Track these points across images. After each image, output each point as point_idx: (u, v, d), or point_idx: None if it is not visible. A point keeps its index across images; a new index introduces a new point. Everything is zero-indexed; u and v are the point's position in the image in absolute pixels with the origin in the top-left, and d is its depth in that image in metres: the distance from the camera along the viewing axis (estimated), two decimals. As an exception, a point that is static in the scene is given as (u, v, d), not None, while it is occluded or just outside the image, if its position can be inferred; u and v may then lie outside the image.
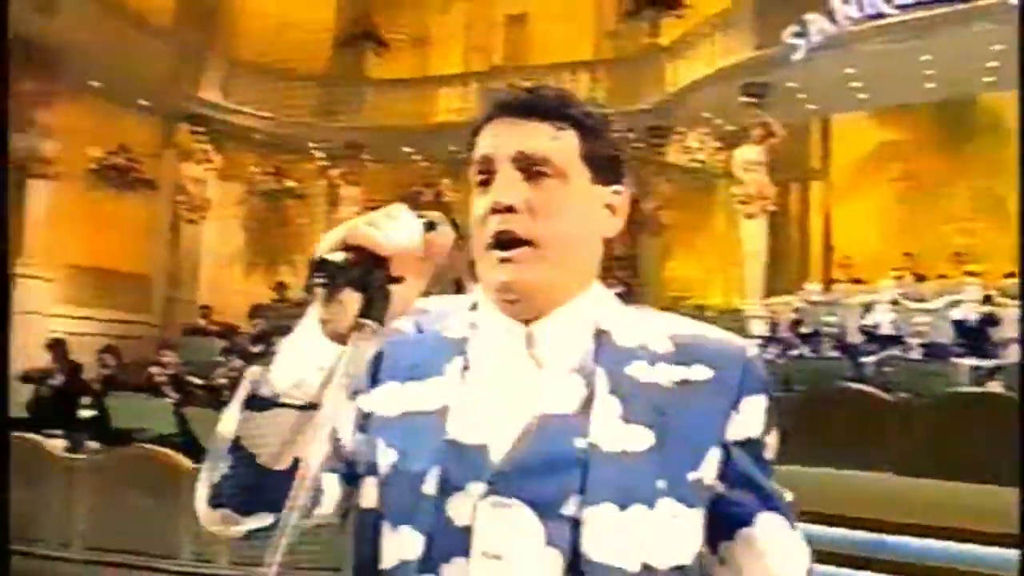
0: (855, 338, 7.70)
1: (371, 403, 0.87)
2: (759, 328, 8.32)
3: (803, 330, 7.75)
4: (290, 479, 0.76)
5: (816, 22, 9.09)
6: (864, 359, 7.32)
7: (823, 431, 6.34)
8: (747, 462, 0.84)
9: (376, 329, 0.73)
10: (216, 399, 7.32)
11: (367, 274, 0.74)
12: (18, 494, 5.39)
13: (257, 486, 0.79)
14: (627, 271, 11.88)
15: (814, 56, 9.12)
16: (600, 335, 0.85)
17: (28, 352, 9.06)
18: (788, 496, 0.88)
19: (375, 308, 0.74)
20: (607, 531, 0.77)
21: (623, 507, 0.77)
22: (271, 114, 13.09)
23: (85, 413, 6.36)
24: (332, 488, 0.85)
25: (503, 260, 0.83)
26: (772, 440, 0.87)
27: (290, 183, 13.87)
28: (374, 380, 0.87)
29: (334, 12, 14.43)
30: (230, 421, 0.79)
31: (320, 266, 0.73)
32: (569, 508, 0.77)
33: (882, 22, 8.82)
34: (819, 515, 4.94)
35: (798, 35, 9.10)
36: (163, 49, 11.85)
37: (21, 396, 7.66)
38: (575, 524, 0.77)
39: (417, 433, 0.83)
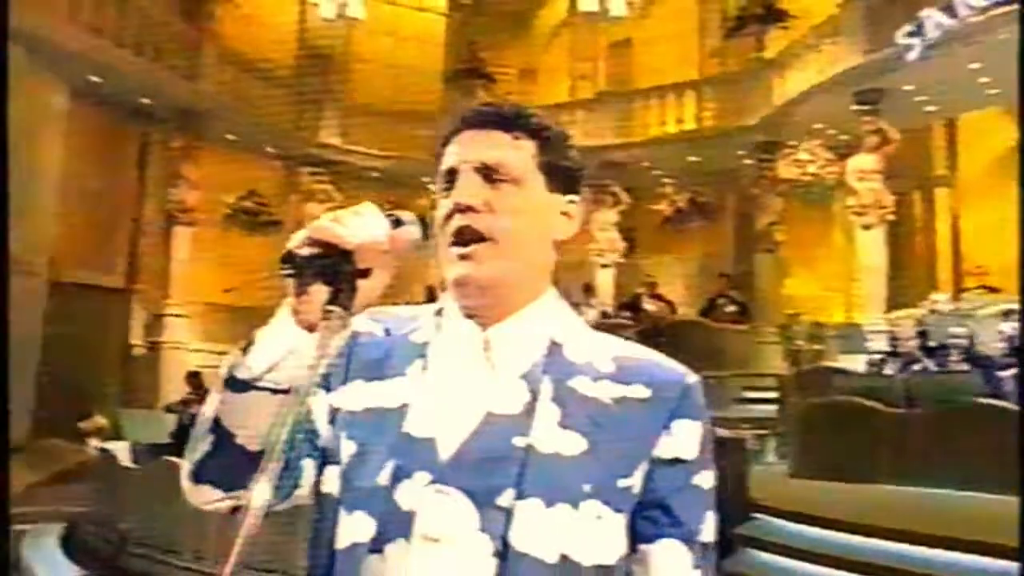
0: (988, 350, 7.16)
1: (339, 399, 0.94)
2: (879, 343, 7.91)
3: (929, 343, 7.29)
4: (262, 460, 0.82)
5: (932, 18, 8.61)
6: (1002, 372, 6.78)
7: (956, 450, 5.96)
8: (667, 482, 0.89)
9: (343, 317, 0.80)
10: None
11: (333, 266, 0.80)
12: (160, 509, 5.93)
13: (236, 465, 0.85)
14: (742, 290, 11.60)
15: (931, 55, 8.65)
16: (553, 347, 0.91)
17: (174, 383, 9.87)
18: (708, 535, 0.91)
19: (342, 298, 0.80)
20: (532, 524, 0.82)
21: (550, 503, 0.83)
22: (386, 152, 13.71)
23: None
24: (309, 473, 0.92)
25: (462, 256, 0.89)
26: (706, 474, 0.91)
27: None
28: (345, 379, 0.94)
29: (442, 52, 15.01)
30: (212, 402, 0.86)
31: (287, 259, 0.80)
32: (503, 500, 0.82)
33: (1009, 8, 8.21)
34: (950, 540, 4.65)
35: (912, 34, 8.65)
36: (286, 99, 12.76)
37: (169, 425, 8.37)
38: (508, 515, 0.82)
39: (377, 427, 0.89)
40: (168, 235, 10.99)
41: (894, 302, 9.31)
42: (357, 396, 0.93)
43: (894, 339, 7.47)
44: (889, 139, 9.32)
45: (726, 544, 5.31)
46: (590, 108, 13.51)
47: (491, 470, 0.84)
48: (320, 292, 0.81)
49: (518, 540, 0.82)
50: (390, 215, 0.86)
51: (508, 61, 15.89)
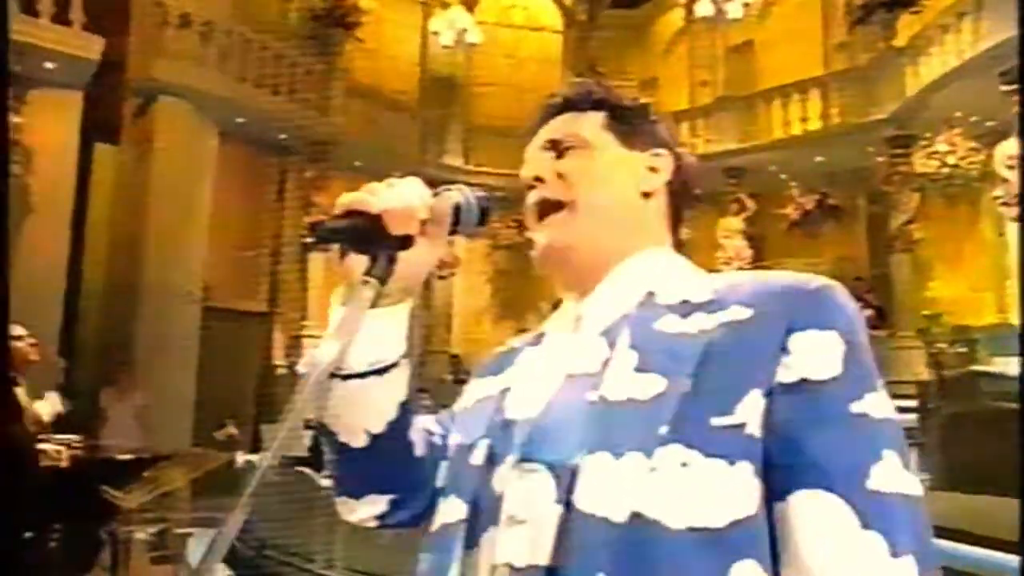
0: None
1: (458, 404, 0.93)
2: (1029, 344, 7.20)
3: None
4: (375, 456, 0.82)
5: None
6: None
7: None
8: (796, 413, 0.68)
9: (376, 286, 0.75)
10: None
11: (362, 234, 0.77)
12: (295, 518, 6.31)
13: (352, 465, 0.84)
14: (879, 293, 10.93)
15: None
16: (647, 297, 0.82)
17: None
18: (883, 480, 0.66)
19: (376, 267, 0.77)
20: (598, 480, 0.70)
21: (617, 455, 0.69)
22: (509, 171, 13.96)
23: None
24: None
25: (541, 227, 0.88)
26: (869, 399, 0.69)
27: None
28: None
29: (560, 70, 15.19)
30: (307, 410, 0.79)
31: (312, 229, 0.79)
32: (575, 462, 0.72)
33: None
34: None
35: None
36: (411, 125, 13.33)
37: (307, 439, 8.88)
38: (573, 475, 0.71)
39: (480, 415, 0.85)
40: (304, 261, 11.70)
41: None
42: (470, 393, 0.92)
43: (1050, 340, 6.78)
44: (1044, 120, 8.50)
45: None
46: (710, 114, 13.23)
47: (566, 435, 0.73)
48: (357, 262, 0.78)
49: (581, 499, 0.69)
50: (444, 187, 0.84)
51: (628, 72, 15.85)
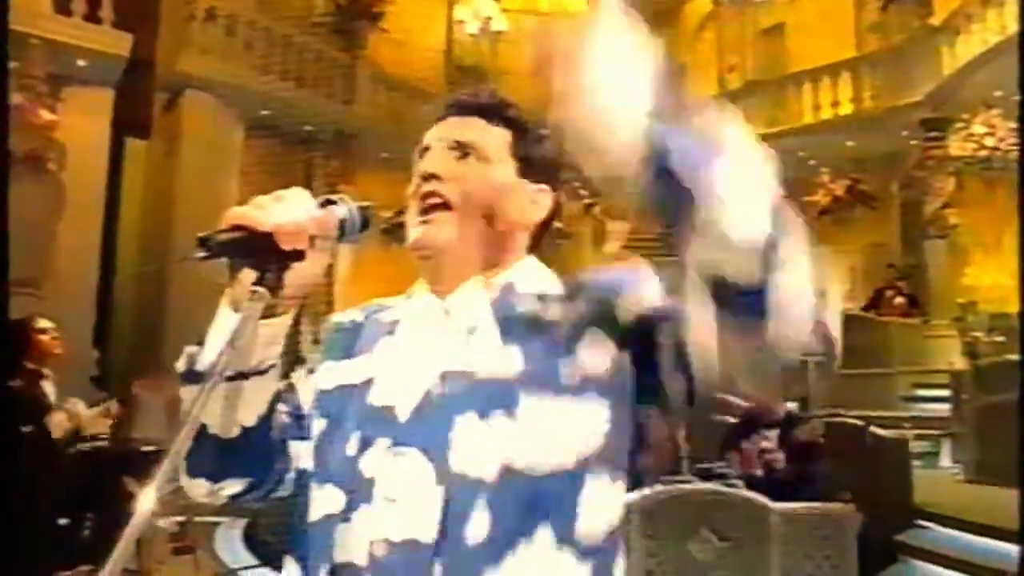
0: None
1: (316, 381, 0.98)
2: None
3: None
4: (242, 446, 0.87)
5: None
6: None
7: None
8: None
9: (264, 296, 0.80)
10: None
11: (252, 249, 0.81)
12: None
13: (217, 454, 0.87)
14: (913, 280, 10.70)
15: None
16: (506, 288, 0.93)
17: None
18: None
19: (267, 279, 0.82)
20: (466, 439, 0.82)
21: (483, 416, 0.82)
22: (535, 161, 13.90)
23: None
24: (299, 456, 0.94)
25: (423, 222, 0.94)
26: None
27: (558, 224, 14.56)
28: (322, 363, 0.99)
29: (586, 57, 15.07)
30: (184, 397, 0.88)
31: (201, 243, 0.83)
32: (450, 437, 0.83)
33: None
34: None
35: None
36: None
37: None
38: (447, 443, 0.83)
39: (344, 402, 0.91)
40: (331, 252, 11.79)
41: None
42: (328, 375, 0.96)
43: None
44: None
45: (887, 552, 4.93)
46: (738, 99, 13.01)
47: (443, 421, 0.83)
48: (247, 274, 0.83)
49: (455, 460, 0.81)
50: (326, 199, 0.88)
51: (658, 57, 15.65)
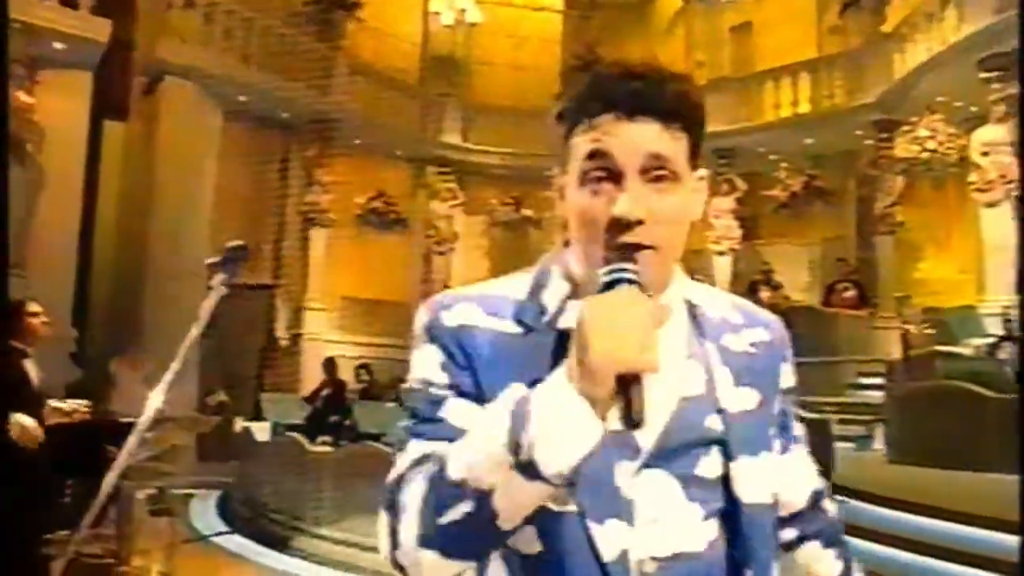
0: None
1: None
2: (995, 327, 7.50)
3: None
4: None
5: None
6: None
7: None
8: (787, 407, 0.99)
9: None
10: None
11: None
12: (287, 479, 6.74)
13: (487, 541, 0.81)
14: (865, 274, 11.22)
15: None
16: (692, 309, 0.95)
17: (313, 370, 10.89)
18: (800, 428, 1.05)
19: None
20: (749, 477, 0.90)
21: (754, 455, 0.91)
22: (508, 150, 14.21)
23: (333, 419, 7.68)
24: None
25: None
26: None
27: (528, 212, 14.89)
28: (484, 381, 0.88)
29: (560, 49, 15.37)
30: (484, 469, 0.76)
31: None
32: (710, 470, 0.89)
33: None
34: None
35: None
36: (411, 104, 13.62)
37: (305, 408, 9.32)
38: (724, 479, 0.90)
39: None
40: (306, 236, 12.10)
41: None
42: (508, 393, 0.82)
43: (1008, 321, 7.10)
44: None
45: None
46: (704, 95, 13.39)
47: (690, 449, 0.89)
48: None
49: (744, 495, 0.90)
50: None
51: (630, 53, 16.00)
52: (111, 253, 10.76)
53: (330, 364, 9.64)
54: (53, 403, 5.10)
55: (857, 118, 11.18)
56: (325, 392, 9.00)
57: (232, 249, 1.24)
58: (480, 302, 0.91)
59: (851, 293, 10.64)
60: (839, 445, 7.42)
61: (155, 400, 0.98)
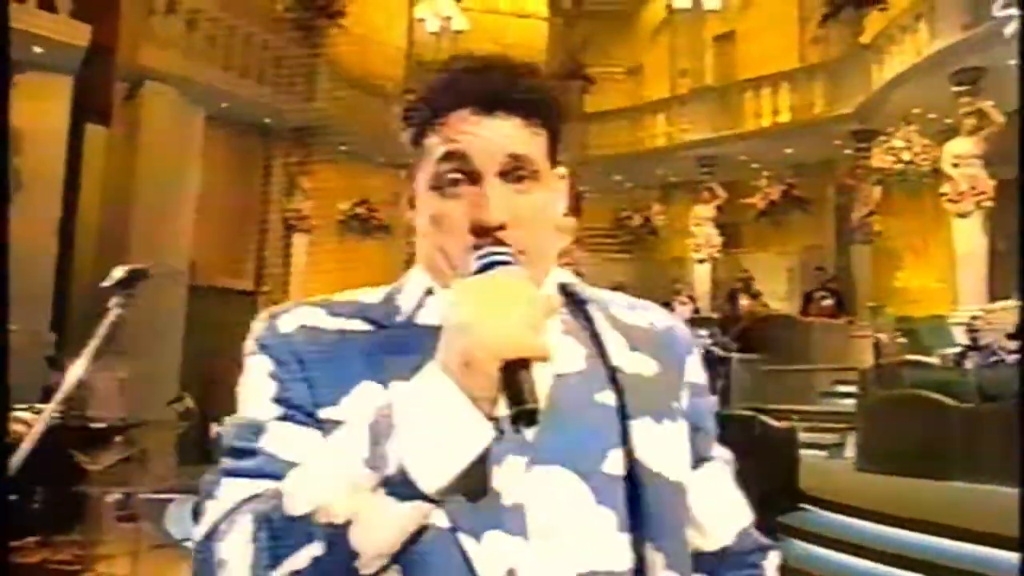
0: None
1: (341, 409, 0.76)
2: (961, 336, 7.58)
3: (1011, 336, 6.96)
4: None
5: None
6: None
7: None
8: (701, 407, 0.88)
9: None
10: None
11: None
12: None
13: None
14: (843, 283, 11.31)
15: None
16: (564, 290, 0.85)
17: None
18: (727, 453, 0.92)
19: None
20: (650, 441, 0.77)
21: (657, 421, 0.79)
22: (492, 157, 14.20)
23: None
24: None
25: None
26: (712, 399, 0.92)
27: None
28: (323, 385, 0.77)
29: (545, 57, 15.43)
30: (336, 497, 0.64)
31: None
32: (612, 466, 0.76)
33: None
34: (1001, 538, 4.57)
35: (1009, 5, 8.16)
36: (395, 111, 13.62)
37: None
38: (625, 437, 0.77)
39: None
40: (288, 241, 12.11)
41: (994, 293, 8.83)
42: (371, 398, 0.71)
43: (973, 332, 7.18)
44: (990, 120, 8.82)
45: (769, 532, 5.43)
46: (686, 103, 13.53)
47: (584, 429, 0.76)
48: None
49: (648, 458, 0.77)
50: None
51: (616, 60, 16.11)
52: (91, 256, 10.75)
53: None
54: (17, 414, 5.12)
55: (836, 128, 11.29)
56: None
57: (130, 271, 1.26)
58: (326, 306, 0.81)
59: (829, 302, 10.73)
60: (811, 453, 7.51)
61: (76, 370, 1.00)
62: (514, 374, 0.63)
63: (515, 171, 0.78)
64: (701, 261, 12.52)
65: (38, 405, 5.60)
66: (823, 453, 8.00)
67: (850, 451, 7.83)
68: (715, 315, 11.16)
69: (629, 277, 12.35)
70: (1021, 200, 8.07)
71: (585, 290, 0.87)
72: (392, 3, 14.37)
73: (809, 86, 12.05)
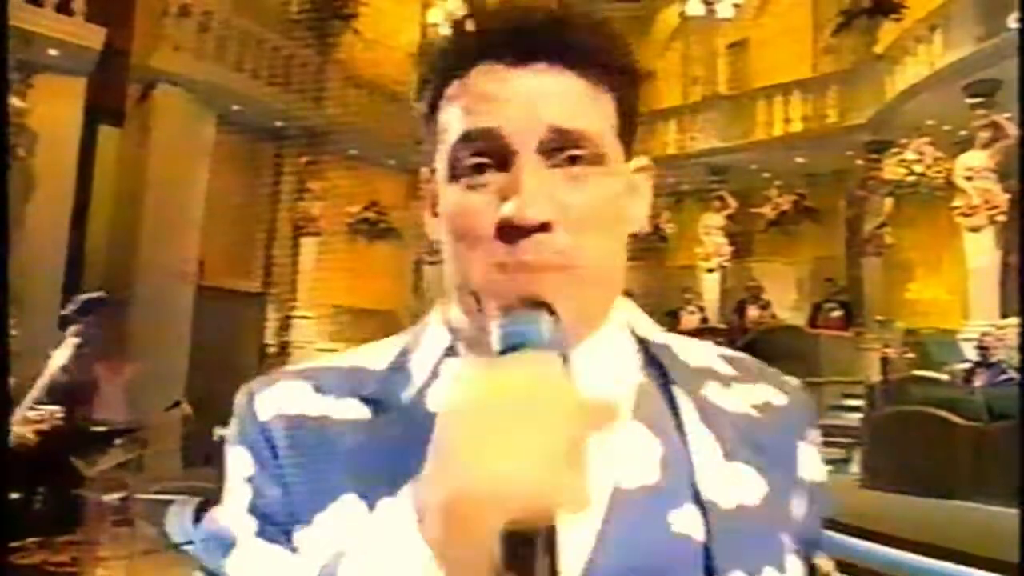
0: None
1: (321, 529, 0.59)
2: (971, 352, 7.48)
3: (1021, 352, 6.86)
4: None
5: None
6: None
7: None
8: (815, 511, 0.63)
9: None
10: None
11: None
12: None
13: None
14: (853, 294, 11.21)
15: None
16: (644, 344, 0.62)
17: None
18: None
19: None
20: None
21: (755, 571, 0.56)
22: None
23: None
24: None
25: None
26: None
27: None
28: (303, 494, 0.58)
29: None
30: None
31: None
32: None
33: None
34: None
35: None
36: (406, 114, 13.65)
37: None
38: None
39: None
40: (296, 244, 12.15)
41: (1007, 308, 8.71)
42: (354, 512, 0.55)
43: (983, 348, 7.09)
44: (1004, 133, 8.71)
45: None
46: (698, 111, 13.47)
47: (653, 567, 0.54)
48: None
49: None
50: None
51: (629, 66, 16.03)
52: (102, 257, 10.84)
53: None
54: (24, 412, 5.14)
55: (848, 138, 11.19)
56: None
57: (87, 300, 1.25)
58: (315, 377, 0.61)
59: (838, 313, 10.63)
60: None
61: (59, 357, 0.96)
62: (522, 545, 0.40)
63: (563, 149, 0.55)
64: (710, 270, 12.44)
65: (43, 408, 5.65)
66: (828, 467, 7.90)
67: (855, 467, 7.74)
68: (722, 325, 11.08)
69: (638, 285, 12.29)
70: (1021, 204, 7.98)
71: (666, 346, 0.62)
72: (405, 7, 14.40)
73: (822, 96, 11.96)
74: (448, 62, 0.59)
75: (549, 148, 0.55)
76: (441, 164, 0.59)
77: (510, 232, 0.53)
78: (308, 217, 12.21)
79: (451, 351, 0.61)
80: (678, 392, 0.59)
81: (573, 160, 0.56)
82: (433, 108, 0.61)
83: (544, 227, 0.53)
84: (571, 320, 0.52)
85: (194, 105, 10.65)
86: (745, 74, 13.95)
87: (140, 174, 10.54)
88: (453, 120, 0.58)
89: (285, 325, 11.99)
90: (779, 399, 0.63)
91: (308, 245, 12.29)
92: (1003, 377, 6.74)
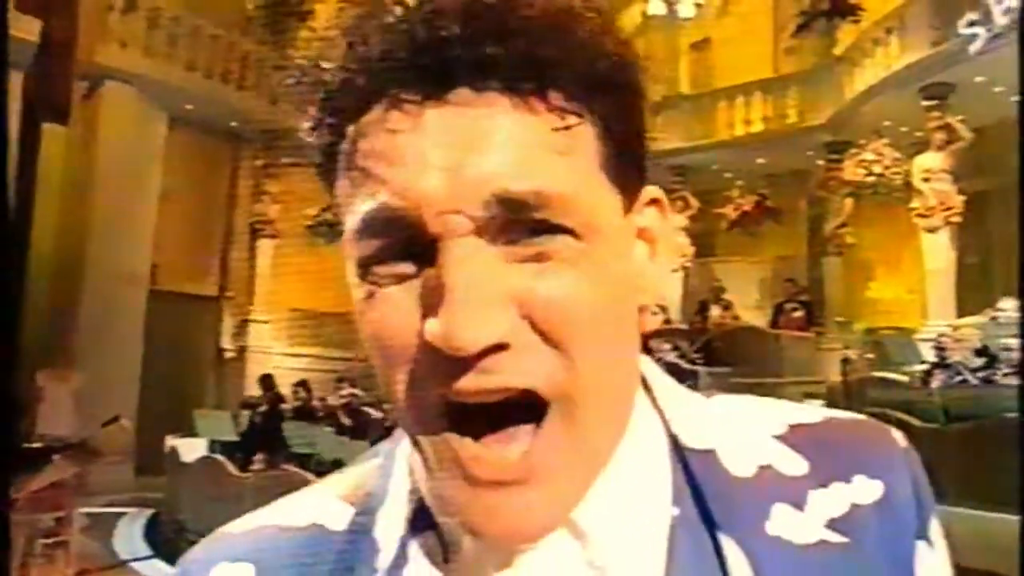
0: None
1: None
2: (928, 353, 7.52)
3: (976, 354, 6.90)
4: None
5: (1002, 3, 8.02)
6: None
7: (990, 468, 5.65)
8: None
9: None
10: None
11: None
12: (207, 501, 6.57)
13: None
14: (814, 294, 11.26)
15: (999, 44, 8.10)
16: (684, 457, 0.43)
17: (255, 384, 10.68)
18: None
19: None
20: None
21: None
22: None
23: (268, 436, 7.52)
24: None
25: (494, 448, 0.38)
26: None
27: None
28: None
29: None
30: None
31: None
32: None
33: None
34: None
35: (974, 23, 8.14)
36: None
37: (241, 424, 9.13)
38: None
39: None
40: (253, 247, 11.88)
41: (964, 308, 8.80)
42: None
43: (940, 349, 7.11)
44: (958, 136, 8.79)
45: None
46: (659, 111, 13.41)
47: None
48: None
49: None
50: None
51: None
52: (47, 261, 10.46)
53: (267, 380, 9.44)
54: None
55: (808, 138, 11.24)
56: (261, 409, 8.81)
57: None
58: (258, 552, 0.45)
59: (799, 314, 10.65)
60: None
61: None
62: None
63: (518, 222, 0.36)
64: (672, 271, 12.40)
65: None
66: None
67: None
68: (684, 326, 11.05)
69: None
70: (1021, 204, 8.01)
71: (709, 456, 0.43)
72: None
73: (782, 96, 12.00)
74: (335, 100, 0.39)
75: (493, 226, 0.35)
76: (347, 249, 0.39)
77: (445, 361, 0.35)
78: (265, 219, 11.94)
79: (421, 509, 0.43)
80: (725, 542, 0.40)
81: (536, 231, 0.36)
82: (327, 175, 0.42)
83: (499, 346, 0.35)
84: (566, 489, 0.38)
85: (144, 104, 10.33)
86: (708, 74, 13.96)
87: (88, 173, 10.19)
88: (344, 195, 0.40)
89: (242, 329, 11.71)
90: (870, 491, 0.43)
91: (266, 248, 12.02)
92: (958, 379, 6.76)
